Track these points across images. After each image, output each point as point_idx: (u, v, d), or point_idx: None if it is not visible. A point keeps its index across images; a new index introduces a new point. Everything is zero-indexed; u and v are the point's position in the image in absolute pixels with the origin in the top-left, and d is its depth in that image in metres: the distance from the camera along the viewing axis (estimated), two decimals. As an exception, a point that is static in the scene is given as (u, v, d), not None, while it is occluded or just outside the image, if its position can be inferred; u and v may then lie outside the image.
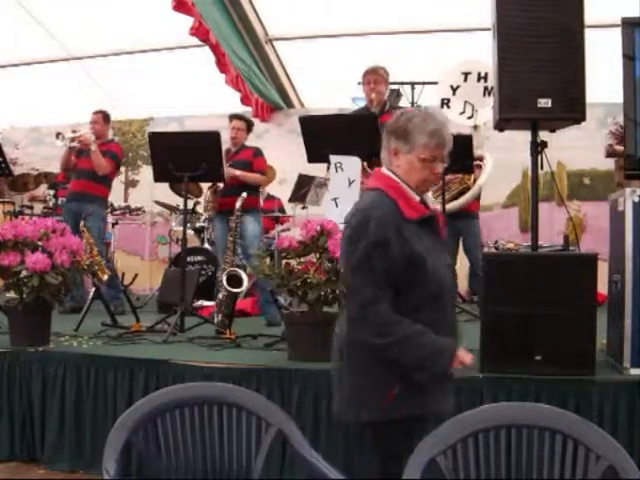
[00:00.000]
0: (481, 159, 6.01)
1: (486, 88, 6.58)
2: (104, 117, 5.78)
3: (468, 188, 5.91)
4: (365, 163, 4.29)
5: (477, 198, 6.05)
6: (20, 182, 7.48)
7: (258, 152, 5.29)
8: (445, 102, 6.78)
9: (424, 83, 6.67)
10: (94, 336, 3.90)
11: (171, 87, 7.68)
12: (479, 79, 6.60)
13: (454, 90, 6.71)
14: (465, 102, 6.67)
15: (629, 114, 2.97)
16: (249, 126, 5.41)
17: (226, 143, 4.90)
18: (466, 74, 6.65)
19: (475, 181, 5.93)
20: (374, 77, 4.47)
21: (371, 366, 1.93)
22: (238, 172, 5.01)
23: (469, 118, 6.68)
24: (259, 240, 5.30)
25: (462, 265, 6.23)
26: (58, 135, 5.52)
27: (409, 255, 1.90)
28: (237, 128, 5.29)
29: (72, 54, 7.76)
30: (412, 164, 1.99)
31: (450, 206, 5.81)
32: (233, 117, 5.42)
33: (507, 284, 2.92)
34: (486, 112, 6.53)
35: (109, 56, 7.72)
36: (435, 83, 6.83)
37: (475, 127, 6.64)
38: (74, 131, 5.61)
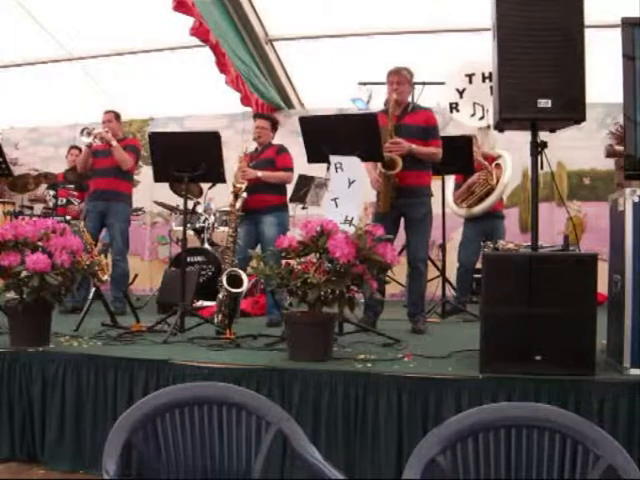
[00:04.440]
0: (498, 158, 6.00)
1: (492, 87, 6.56)
2: (116, 116, 5.80)
3: (492, 189, 5.89)
4: (380, 164, 4.30)
5: (500, 198, 6.04)
6: (20, 182, 7.47)
7: (282, 149, 5.16)
8: (454, 106, 6.78)
9: (424, 83, 6.67)
10: (94, 336, 3.91)
11: (171, 87, 7.68)
12: (484, 79, 6.59)
13: (460, 93, 6.70)
14: (474, 104, 6.66)
15: (629, 114, 2.97)
16: (274, 124, 5.29)
17: (227, 145, 4.86)
18: (470, 76, 6.64)
19: (498, 181, 5.91)
20: (397, 78, 4.45)
21: None
22: (260, 173, 4.91)
23: (481, 119, 6.67)
24: None
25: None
26: (83, 131, 5.53)
27: None
28: (260, 127, 5.17)
29: (72, 54, 7.77)
30: None
31: (478, 209, 5.81)
32: (256, 116, 5.37)
33: (507, 284, 2.92)
34: (497, 111, 6.52)
35: (109, 56, 7.73)
36: (435, 83, 6.82)
37: (488, 127, 6.62)
38: (92, 129, 5.61)
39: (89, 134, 5.51)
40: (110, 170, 5.56)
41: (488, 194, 5.88)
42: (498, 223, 5.97)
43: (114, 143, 5.47)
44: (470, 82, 6.63)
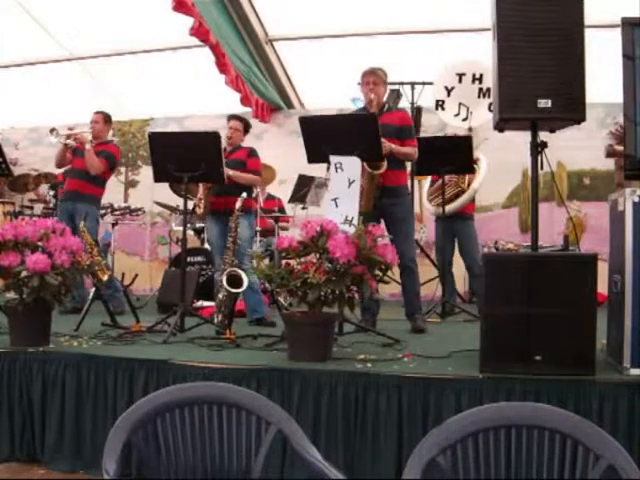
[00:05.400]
0: (476, 161, 6.01)
1: (481, 89, 6.59)
2: (105, 118, 5.79)
3: (463, 191, 5.91)
4: (365, 164, 4.30)
5: (472, 200, 6.06)
6: (20, 182, 7.48)
7: (252, 152, 5.25)
8: (440, 104, 6.80)
9: (424, 83, 6.67)
10: (94, 336, 3.91)
11: (171, 87, 7.69)
12: (474, 80, 6.61)
13: (449, 91, 6.72)
14: (460, 104, 6.68)
15: (629, 114, 2.97)
16: (246, 127, 5.37)
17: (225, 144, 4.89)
18: (461, 75, 6.66)
19: (469, 184, 5.94)
20: (373, 78, 4.47)
21: None
22: (231, 172, 4.97)
23: (464, 120, 6.68)
24: (251, 242, 5.28)
25: (459, 266, 6.24)
26: (52, 131, 5.52)
27: None
28: (234, 128, 5.25)
29: (72, 54, 7.77)
30: None
31: (445, 209, 5.82)
32: (230, 117, 5.41)
33: (507, 284, 2.92)
34: (481, 114, 6.56)
35: (109, 56, 7.73)
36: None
37: (470, 129, 6.64)
38: (70, 129, 5.61)
39: (57, 134, 5.50)
40: (82, 171, 5.56)
41: (458, 196, 5.90)
42: (466, 225, 5.98)
43: (87, 146, 5.46)
44: (460, 81, 6.65)
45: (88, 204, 5.59)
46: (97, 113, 5.79)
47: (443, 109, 6.79)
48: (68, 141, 5.53)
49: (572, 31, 2.92)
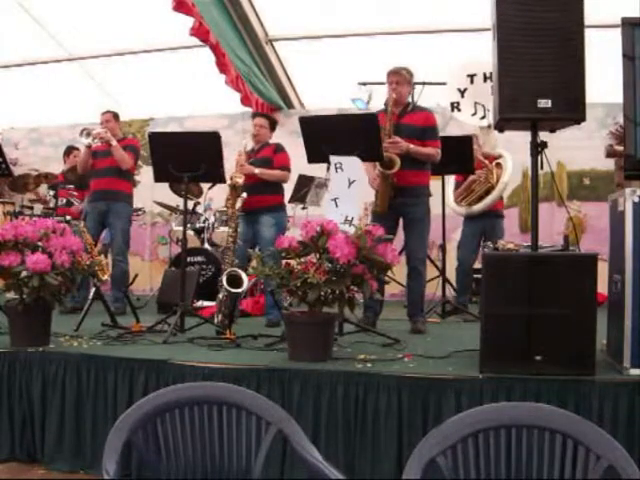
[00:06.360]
0: (499, 157, 6.01)
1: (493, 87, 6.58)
2: (114, 116, 5.82)
3: (492, 187, 5.90)
4: (377, 163, 4.31)
5: (500, 197, 6.05)
6: (20, 182, 7.47)
7: (279, 148, 5.18)
8: (455, 105, 6.79)
9: (424, 83, 6.66)
10: (94, 336, 3.91)
11: (171, 87, 7.69)
12: (485, 79, 6.60)
13: (462, 93, 6.72)
14: (475, 103, 6.67)
15: (629, 114, 2.97)
16: (272, 124, 5.31)
17: (227, 145, 4.85)
18: (472, 76, 6.65)
19: (498, 179, 5.92)
20: (396, 78, 4.46)
21: None
22: (257, 170, 4.93)
23: (482, 118, 6.67)
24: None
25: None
26: (83, 131, 5.54)
27: None
28: (259, 125, 5.19)
29: (72, 54, 7.77)
30: None
31: (477, 207, 5.82)
32: (255, 115, 5.38)
33: (507, 284, 2.92)
34: (497, 110, 6.54)
35: (109, 56, 7.73)
36: (435, 84, 6.83)
37: (489, 126, 6.64)
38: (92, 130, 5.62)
39: (88, 134, 5.52)
40: (110, 170, 5.58)
41: (488, 192, 5.89)
42: (497, 222, 5.97)
43: (114, 143, 5.49)
44: (472, 82, 6.64)
45: (122, 202, 5.66)
46: (106, 113, 5.80)
47: (459, 110, 6.78)
48: (95, 140, 5.54)
49: (572, 31, 2.92)
